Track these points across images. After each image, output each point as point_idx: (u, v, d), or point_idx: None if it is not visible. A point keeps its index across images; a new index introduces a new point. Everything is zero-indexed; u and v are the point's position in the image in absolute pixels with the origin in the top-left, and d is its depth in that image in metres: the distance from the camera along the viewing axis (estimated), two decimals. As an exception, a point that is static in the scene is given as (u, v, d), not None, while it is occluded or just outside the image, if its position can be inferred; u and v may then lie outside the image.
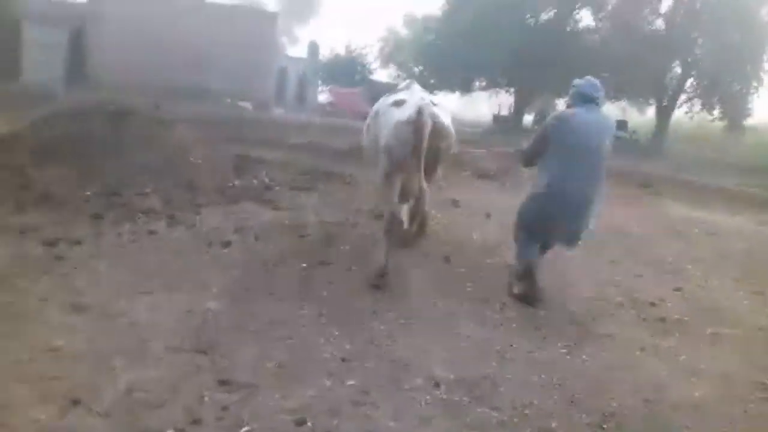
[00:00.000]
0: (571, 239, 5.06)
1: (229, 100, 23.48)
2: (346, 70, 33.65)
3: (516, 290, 5.00)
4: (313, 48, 37.37)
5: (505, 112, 33.35)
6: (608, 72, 25.47)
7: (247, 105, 23.45)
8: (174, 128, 7.67)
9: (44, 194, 5.67)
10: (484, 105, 43.17)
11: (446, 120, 5.19)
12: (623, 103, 28.58)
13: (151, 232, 5.42)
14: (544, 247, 5.19)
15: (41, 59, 22.34)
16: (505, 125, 29.00)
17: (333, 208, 7.21)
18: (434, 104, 5.20)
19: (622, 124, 28.39)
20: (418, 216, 5.80)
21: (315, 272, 5.01)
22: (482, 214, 7.67)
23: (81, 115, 6.84)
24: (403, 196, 5.23)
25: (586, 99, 4.97)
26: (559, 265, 5.60)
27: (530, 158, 5.24)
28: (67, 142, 6.32)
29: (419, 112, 4.80)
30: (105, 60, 23.80)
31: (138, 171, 6.47)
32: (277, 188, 7.76)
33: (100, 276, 4.46)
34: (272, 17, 32.42)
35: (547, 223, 4.96)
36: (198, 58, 25.38)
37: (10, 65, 21.41)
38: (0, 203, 5.45)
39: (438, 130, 4.98)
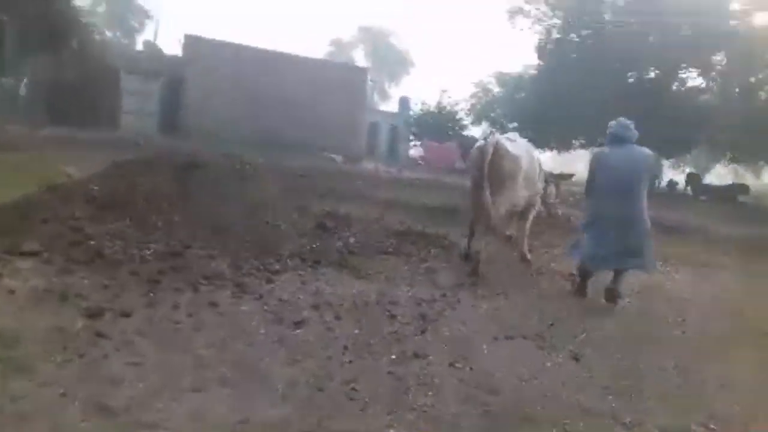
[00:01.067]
0: (629, 259, 6.06)
1: (321, 153, 23.10)
2: (438, 126, 32.99)
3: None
4: (404, 103, 37.09)
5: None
6: (718, 132, 23.69)
7: (338, 158, 22.98)
8: (255, 181, 6.87)
9: (97, 252, 4.89)
10: (582, 164, 41.36)
11: (513, 148, 6.71)
12: (737, 167, 26.28)
13: (213, 304, 4.50)
14: (616, 271, 6.16)
15: (136, 108, 22.83)
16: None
17: (427, 279, 6.16)
18: (511, 140, 6.98)
19: (743, 188, 26.20)
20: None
21: (408, 368, 3.93)
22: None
23: (151, 164, 6.12)
24: (474, 209, 6.87)
25: (618, 138, 6.14)
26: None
27: (587, 192, 6.49)
28: (132, 193, 5.59)
29: (486, 140, 6.69)
30: (199, 111, 24.11)
31: (207, 229, 5.65)
32: (365, 252, 6.79)
33: (142, 362, 3.55)
34: (362, 72, 32.46)
35: (597, 248, 6.09)
36: (291, 111, 25.38)
37: (110, 115, 21.96)
38: (47, 261, 4.70)
39: (499, 151, 6.47)
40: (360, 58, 57.20)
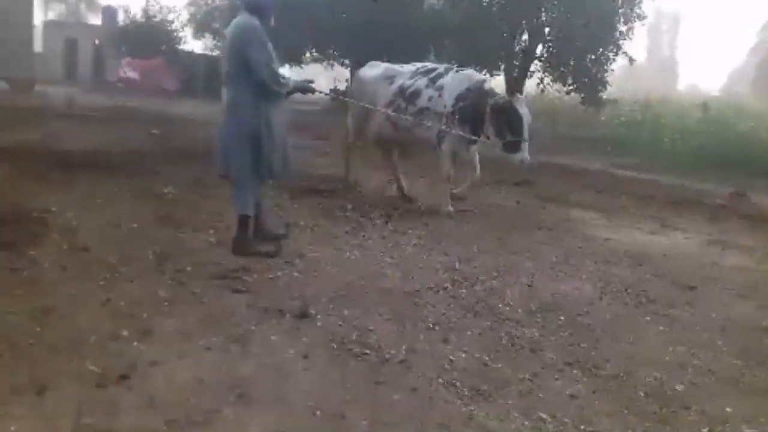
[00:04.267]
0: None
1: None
2: (147, 40, 28.22)
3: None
4: (109, 13, 31.47)
5: (343, 87, 30.12)
6: (451, 39, 23.44)
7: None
8: None
9: None
10: (323, 79, 39.77)
11: None
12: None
13: None
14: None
15: None
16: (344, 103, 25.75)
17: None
18: None
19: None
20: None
21: None
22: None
23: None
24: None
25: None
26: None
27: None
28: None
29: None
30: None
31: None
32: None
33: None
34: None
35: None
36: None
37: None
38: None
39: None
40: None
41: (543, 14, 21.13)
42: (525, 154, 6.22)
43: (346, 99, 7.66)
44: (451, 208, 6.73)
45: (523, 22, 21.30)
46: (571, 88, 20.76)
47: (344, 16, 22.96)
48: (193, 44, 32.60)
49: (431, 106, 6.71)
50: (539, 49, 21.83)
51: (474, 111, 6.48)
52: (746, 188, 10.05)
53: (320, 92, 5.88)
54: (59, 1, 50.02)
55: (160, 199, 6.02)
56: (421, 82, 6.90)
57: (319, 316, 3.68)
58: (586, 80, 20.20)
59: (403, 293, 4.27)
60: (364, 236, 5.53)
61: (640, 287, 4.99)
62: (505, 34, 21.60)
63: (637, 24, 20.38)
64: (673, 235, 7.06)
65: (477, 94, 6.55)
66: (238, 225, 4.68)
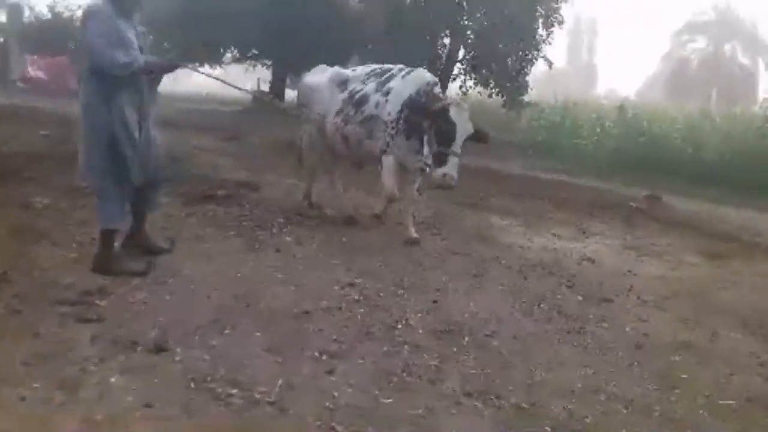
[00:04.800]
0: None
1: None
2: (56, 37, 26.44)
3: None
4: (15, 10, 29.38)
5: (265, 87, 29.20)
6: (374, 42, 23.07)
7: None
8: None
9: None
10: (248, 82, 38.73)
11: None
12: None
13: None
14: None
15: None
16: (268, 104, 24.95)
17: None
18: None
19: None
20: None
21: None
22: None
23: None
24: None
25: None
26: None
27: None
28: None
29: None
30: None
31: None
32: None
33: None
34: None
35: None
36: None
37: None
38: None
39: None
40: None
41: (464, 16, 21.10)
42: (450, 169, 5.16)
43: (272, 98, 6.96)
44: (415, 235, 5.79)
45: (445, 24, 21.22)
46: (492, 91, 20.79)
47: (264, 14, 22.10)
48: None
49: (378, 113, 5.81)
50: (461, 52, 21.80)
51: (421, 118, 5.51)
52: (661, 191, 10.03)
53: (198, 71, 5.27)
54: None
55: (25, 209, 5.27)
56: (371, 86, 6.01)
57: (179, 349, 3.12)
58: (508, 84, 20.24)
59: (291, 316, 3.76)
60: (256, 247, 4.98)
61: (554, 301, 4.67)
62: (427, 37, 21.44)
63: (556, 28, 20.58)
64: (591, 241, 6.83)
65: (425, 100, 5.58)
66: (101, 239, 4.06)
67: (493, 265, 5.38)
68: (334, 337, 3.55)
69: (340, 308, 3.98)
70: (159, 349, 3.07)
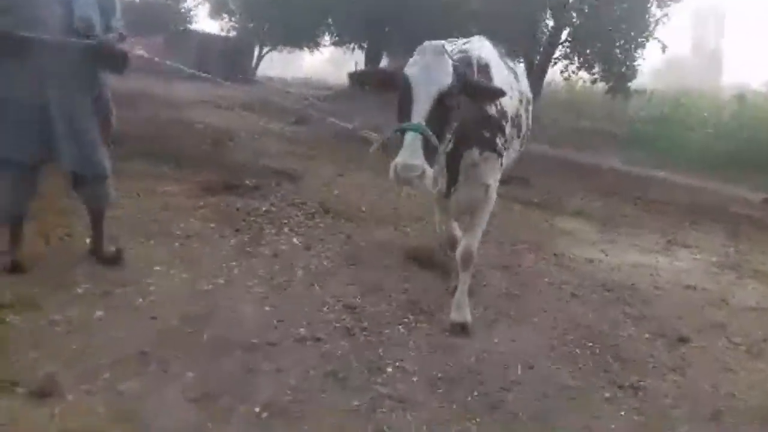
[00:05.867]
0: None
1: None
2: (156, 18, 26.96)
3: None
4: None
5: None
6: (474, 24, 21.91)
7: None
8: None
9: None
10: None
11: None
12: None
13: None
14: None
15: None
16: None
17: None
18: None
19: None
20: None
21: None
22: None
23: None
24: None
25: None
26: None
27: None
28: None
29: None
30: None
31: None
32: None
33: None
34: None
35: None
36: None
37: None
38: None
39: None
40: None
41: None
42: (402, 155, 2.68)
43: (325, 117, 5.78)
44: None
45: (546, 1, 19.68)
46: (596, 76, 19.09)
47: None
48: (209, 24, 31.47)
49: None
50: (564, 33, 20.18)
51: None
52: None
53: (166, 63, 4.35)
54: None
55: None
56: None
57: (70, 396, 2.40)
58: (614, 68, 18.47)
59: (246, 348, 2.97)
60: (250, 251, 4.21)
61: (610, 340, 3.63)
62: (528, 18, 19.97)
63: (673, 7, 18.51)
64: (680, 256, 5.64)
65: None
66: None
67: (539, 284, 4.38)
68: (292, 383, 2.74)
69: (319, 339, 3.15)
70: (42, 393, 2.37)
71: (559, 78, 20.86)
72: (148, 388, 2.54)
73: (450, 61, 2.84)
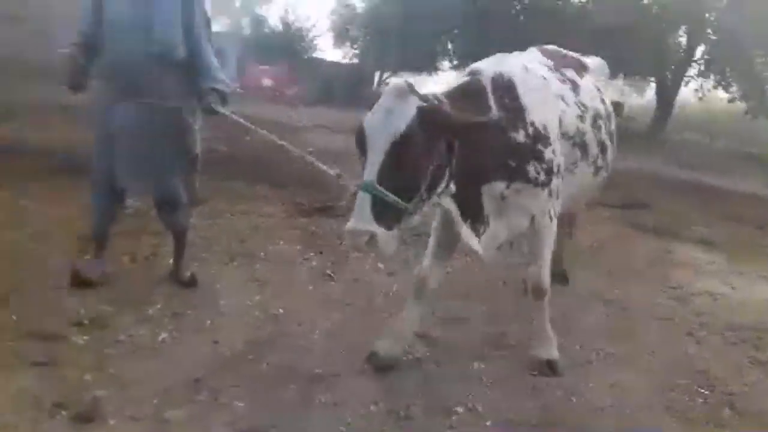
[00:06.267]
0: None
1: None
2: (284, 47, 28.16)
3: None
4: (260, 21, 32.14)
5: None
6: (597, 45, 21.00)
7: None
8: None
9: None
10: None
11: None
12: (620, 83, 23.60)
13: None
14: None
15: None
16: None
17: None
18: None
19: (617, 108, 23.32)
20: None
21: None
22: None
23: None
24: None
25: None
26: None
27: None
28: None
29: None
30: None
31: None
32: None
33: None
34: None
35: None
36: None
37: None
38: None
39: None
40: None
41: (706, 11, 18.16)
42: (351, 218, 2.45)
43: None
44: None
45: (682, 18, 18.47)
46: (735, 95, 17.66)
47: (479, 23, 21.41)
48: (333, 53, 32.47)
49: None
50: (699, 50, 18.88)
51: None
52: None
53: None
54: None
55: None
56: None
57: (112, 422, 2.31)
58: (754, 86, 16.97)
59: (307, 378, 2.77)
60: (330, 274, 4.06)
61: (728, 387, 3.10)
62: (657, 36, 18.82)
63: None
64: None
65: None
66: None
67: (649, 321, 3.87)
68: (349, 420, 2.51)
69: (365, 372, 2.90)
70: (85, 418, 2.29)
71: (691, 97, 19.51)
72: (194, 417, 2.41)
73: (414, 103, 2.42)
